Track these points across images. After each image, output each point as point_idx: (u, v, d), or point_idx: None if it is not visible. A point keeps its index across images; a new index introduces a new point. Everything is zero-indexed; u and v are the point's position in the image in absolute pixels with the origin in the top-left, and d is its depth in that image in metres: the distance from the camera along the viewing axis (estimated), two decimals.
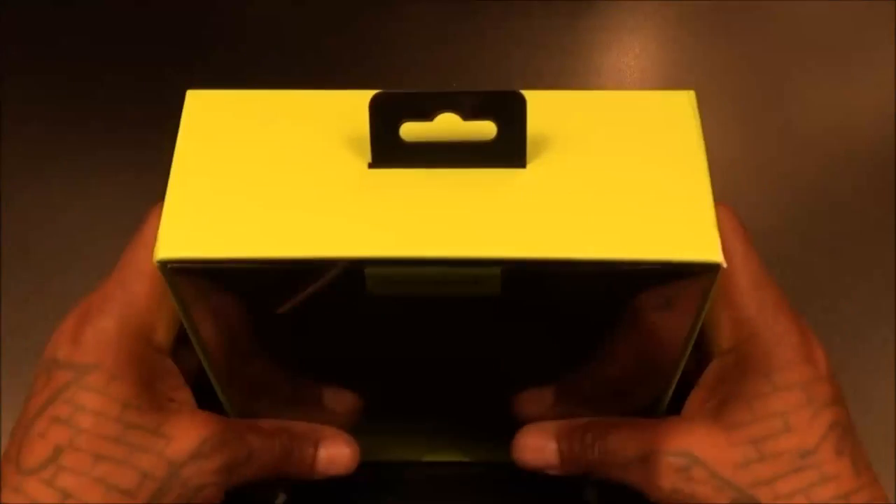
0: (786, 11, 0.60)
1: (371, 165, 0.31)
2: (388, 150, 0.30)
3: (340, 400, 0.38)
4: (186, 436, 0.33)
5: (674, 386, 0.36)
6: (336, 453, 0.38)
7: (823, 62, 0.58)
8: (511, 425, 0.40)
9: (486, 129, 0.30)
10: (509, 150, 0.31)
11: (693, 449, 0.34)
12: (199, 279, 0.30)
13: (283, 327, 0.33)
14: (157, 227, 0.32)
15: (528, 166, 0.31)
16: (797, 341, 0.34)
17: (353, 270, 0.29)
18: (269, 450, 0.36)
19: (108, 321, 0.34)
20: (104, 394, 0.33)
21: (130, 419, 0.33)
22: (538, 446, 0.38)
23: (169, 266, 0.29)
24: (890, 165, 0.53)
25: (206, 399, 0.36)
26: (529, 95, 0.30)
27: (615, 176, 0.31)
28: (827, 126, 0.55)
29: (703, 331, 0.36)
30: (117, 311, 0.34)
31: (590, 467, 0.37)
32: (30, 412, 0.34)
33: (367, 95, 0.30)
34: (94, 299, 0.35)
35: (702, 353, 0.37)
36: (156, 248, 0.29)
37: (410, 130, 0.30)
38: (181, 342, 0.36)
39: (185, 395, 0.36)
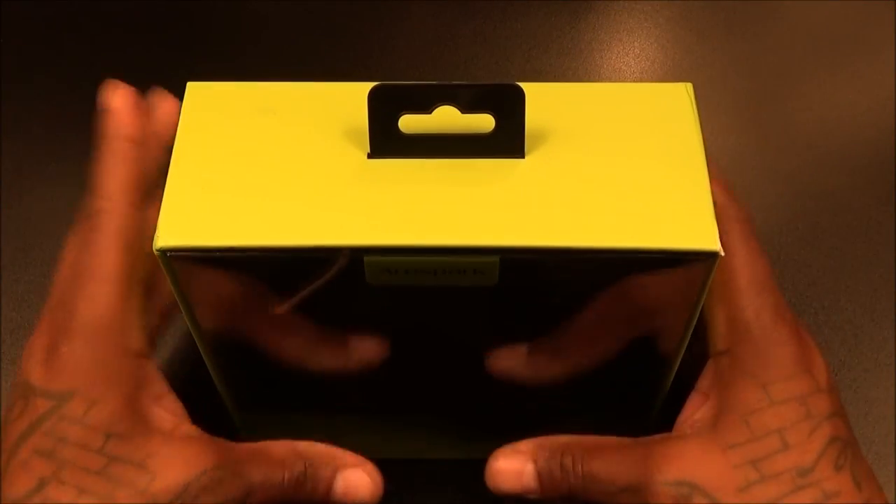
0: (786, 11, 0.60)
1: (370, 156, 0.31)
2: (386, 142, 0.31)
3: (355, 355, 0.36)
4: (173, 471, 0.32)
5: (670, 380, 0.36)
6: (355, 482, 0.36)
7: (823, 62, 0.58)
8: (511, 422, 0.40)
9: (484, 121, 0.30)
10: (508, 142, 0.31)
11: (692, 475, 0.32)
12: (198, 268, 0.30)
13: (282, 319, 0.33)
14: (104, 227, 0.33)
15: (527, 157, 0.31)
16: (795, 351, 0.33)
17: (353, 260, 0.29)
18: (274, 483, 0.34)
19: (78, 340, 0.32)
20: (84, 424, 0.32)
21: (113, 451, 0.31)
22: (514, 469, 0.36)
23: (168, 254, 0.29)
24: (890, 165, 0.53)
25: (202, 400, 0.36)
26: (528, 88, 0.30)
27: (613, 166, 0.31)
28: (827, 126, 0.55)
29: (699, 329, 0.35)
30: (86, 326, 0.32)
31: (573, 493, 0.35)
32: (10, 438, 0.32)
33: (366, 87, 0.30)
34: (59, 314, 0.33)
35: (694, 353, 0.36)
36: (155, 237, 0.29)
37: (409, 123, 0.30)
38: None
39: (171, 402, 0.34)
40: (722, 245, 0.33)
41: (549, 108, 0.32)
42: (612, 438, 0.35)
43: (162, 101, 0.37)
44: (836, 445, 0.33)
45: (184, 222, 0.30)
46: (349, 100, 0.31)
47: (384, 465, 0.43)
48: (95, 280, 0.33)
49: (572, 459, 0.34)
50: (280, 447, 0.35)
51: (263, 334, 0.34)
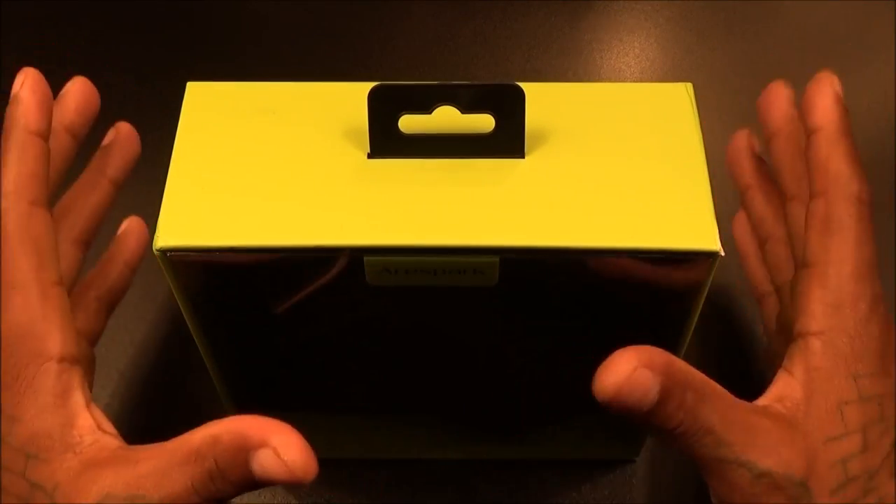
0: (786, 11, 0.60)
1: (370, 156, 0.31)
2: (386, 142, 0.31)
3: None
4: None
5: None
6: (267, 464, 0.30)
7: (823, 62, 0.58)
8: (511, 422, 0.40)
9: (484, 121, 0.30)
10: (508, 142, 0.31)
11: (799, 472, 0.30)
12: (198, 268, 0.30)
13: (282, 319, 0.33)
14: (9, 231, 0.31)
15: (527, 157, 0.31)
16: (882, 349, 0.32)
17: (353, 260, 0.29)
18: (182, 493, 0.30)
19: None
20: (7, 444, 0.30)
21: (33, 476, 0.30)
22: (644, 384, 0.29)
23: (168, 254, 0.29)
24: (890, 165, 0.53)
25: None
26: (528, 88, 0.30)
27: (614, 166, 0.31)
28: None
29: (791, 306, 0.34)
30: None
31: (678, 428, 0.30)
32: None
33: (365, 88, 0.30)
34: None
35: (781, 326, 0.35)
36: (155, 237, 0.29)
37: (409, 123, 0.30)
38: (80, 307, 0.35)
39: (92, 413, 0.32)
40: (835, 225, 0.32)
41: (549, 108, 0.32)
42: (726, 394, 0.31)
43: (71, 86, 0.37)
44: (894, 453, 0.32)
45: (183, 222, 0.30)
46: (349, 100, 0.31)
47: (384, 465, 0.43)
48: (4, 289, 0.31)
49: (693, 397, 0.30)
50: (196, 438, 0.30)
51: (255, 341, 0.33)
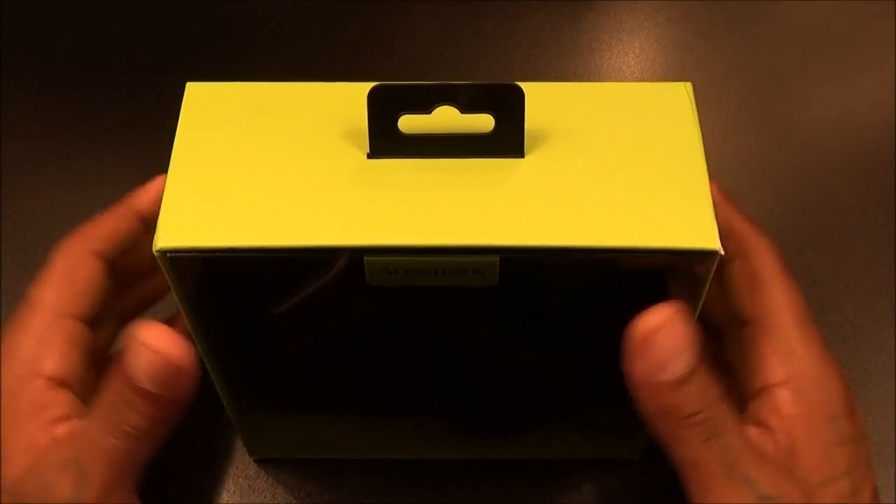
0: (786, 11, 0.60)
1: (370, 156, 0.31)
2: (386, 142, 0.31)
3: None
4: None
5: None
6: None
7: (823, 62, 0.58)
8: (511, 422, 0.40)
9: (484, 121, 0.30)
10: (507, 141, 0.31)
11: None
12: (198, 268, 0.30)
13: (282, 319, 0.33)
14: (56, 262, 0.34)
15: (527, 157, 0.31)
16: (844, 390, 0.33)
17: (353, 260, 0.29)
18: (98, 439, 0.32)
19: None
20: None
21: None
22: (676, 347, 0.29)
23: (168, 255, 0.29)
24: (890, 165, 0.53)
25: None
26: (527, 88, 0.30)
27: (613, 165, 0.31)
28: (827, 126, 0.55)
29: (738, 368, 0.34)
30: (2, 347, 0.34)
31: (697, 413, 0.30)
32: None
33: (365, 88, 0.30)
34: None
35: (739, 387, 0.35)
36: (155, 238, 0.29)
37: (409, 123, 0.30)
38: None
39: (71, 426, 0.34)
40: (763, 278, 0.34)
41: (549, 107, 0.32)
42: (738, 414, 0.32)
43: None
44: (876, 496, 0.32)
45: (183, 223, 0.29)
46: (349, 100, 0.31)
47: (384, 465, 0.43)
48: (25, 307, 0.34)
49: (715, 393, 0.30)
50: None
51: (255, 342, 0.34)
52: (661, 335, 0.29)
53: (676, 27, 0.60)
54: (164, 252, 0.29)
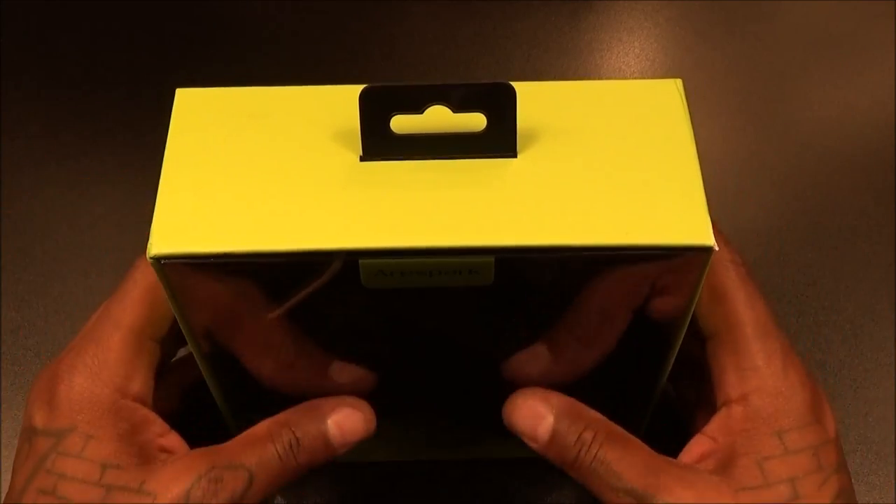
0: (786, 11, 0.60)
1: (362, 158, 0.31)
2: (378, 143, 0.30)
3: (347, 375, 0.36)
4: (170, 488, 0.32)
5: (664, 380, 0.36)
6: (345, 420, 0.35)
7: (823, 62, 0.58)
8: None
9: (476, 121, 0.30)
10: (500, 140, 0.31)
11: None
12: (192, 274, 0.30)
13: (277, 324, 0.33)
14: (139, 280, 0.34)
15: (519, 156, 0.31)
16: (808, 399, 0.33)
17: (347, 263, 0.29)
18: (271, 459, 0.34)
19: (78, 378, 0.33)
20: (82, 458, 0.32)
21: (112, 481, 0.32)
22: (534, 414, 0.34)
23: (162, 262, 0.29)
24: (890, 165, 0.53)
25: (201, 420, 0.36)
26: (519, 87, 0.30)
27: (606, 163, 0.31)
28: (827, 126, 0.55)
29: (709, 379, 0.35)
30: (88, 366, 0.34)
31: (574, 466, 0.33)
32: (17, 485, 0.33)
33: (356, 90, 0.30)
34: (66, 356, 0.34)
35: (703, 400, 0.36)
36: (149, 245, 0.29)
37: (401, 124, 0.30)
38: (163, 384, 0.36)
39: (173, 440, 0.35)
40: (721, 292, 0.34)
41: (541, 106, 0.32)
42: (637, 440, 0.34)
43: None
44: (842, 499, 0.32)
45: (176, 229, 0.29)
46: (341, 102, 0.31)
47: (384, 466, 0.43)
48: (108, 326, 0.34)
49: (594, 436, 0.33)
50: (262, 426, 0.35)
51: (251, 347, 0.34)
52: (517, 414, 0.35)
53: (676, 27, 0.60)
54: (157, 259, 0.29)
